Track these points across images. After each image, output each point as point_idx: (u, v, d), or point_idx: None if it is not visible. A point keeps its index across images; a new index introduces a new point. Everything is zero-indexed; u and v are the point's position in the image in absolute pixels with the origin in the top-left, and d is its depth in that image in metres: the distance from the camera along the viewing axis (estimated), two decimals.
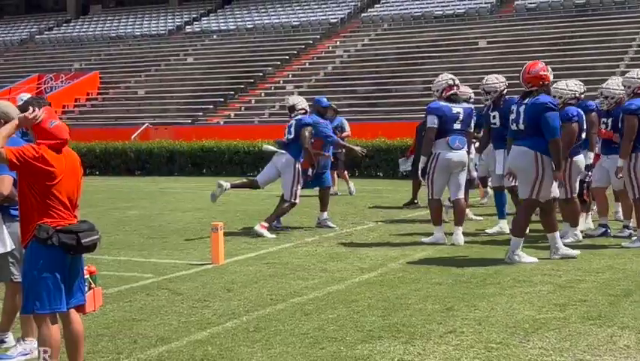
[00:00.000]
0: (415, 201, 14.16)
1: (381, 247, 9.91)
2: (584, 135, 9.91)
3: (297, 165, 11.27)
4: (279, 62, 35.95)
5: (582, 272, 7.95)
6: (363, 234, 11.13)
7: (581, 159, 10.00)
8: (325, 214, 11.86)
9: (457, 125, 10.01)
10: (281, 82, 33.98)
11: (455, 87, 10.17)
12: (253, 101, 33.07)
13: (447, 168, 10.01)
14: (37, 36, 46.38)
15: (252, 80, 34.68)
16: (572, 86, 10.02)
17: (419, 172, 10.27)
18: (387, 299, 6.95)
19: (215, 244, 8.88)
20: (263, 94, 33.48)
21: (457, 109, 10.05)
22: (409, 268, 8.45)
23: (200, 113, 32.65)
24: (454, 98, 10.13)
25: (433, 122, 9.96)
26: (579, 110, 9.83)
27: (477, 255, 9.15)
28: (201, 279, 8.05)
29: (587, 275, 7.80)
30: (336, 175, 16.63)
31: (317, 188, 12.10)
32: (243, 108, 32.79)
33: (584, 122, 9.84)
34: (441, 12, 36.73)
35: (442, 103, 10.04)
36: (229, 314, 6.54)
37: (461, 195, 10.25)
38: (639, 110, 9.39)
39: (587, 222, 10.74)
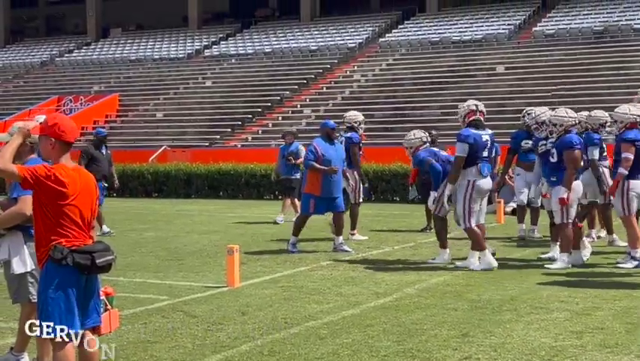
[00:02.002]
0: (430, 227, 14.08)
1: (397, 271, 9.88)
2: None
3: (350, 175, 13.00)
4: (296, 86, 36.10)
5: (599, 300, 7.89)
6: (379, 258, 11.11)
7: (579, 186, 10.09)
8: (341, 238, 11.82)
9: (485, 153, 10.03)
10: (298, 106, 34.10)
11: (479, 113, 10.11)
12: (270, 125, 33.17)
13: (480, 195, 10.04)
14: (57, 58, 46.82)
15: (269, 104, 34.82)
16: (572, 113, 10.20)
17: (445, 200, 10.20)
18: (403, 324, 6.92)
19: (230, 267, 8.89)
20: (280, 118, 33.58)
21: (486, 136, 10.06)
22: (425, 293, 8.42)
23: (218, 136, 32.78)
24: (478, 124, 10.08)
25: (464, 150, 9.88)
26: (580, 138, 10.06)
27: (493, 281, 9.10)
28: (216, 302, 8.05)
29: (604, 303, 7.74)
30: (289, 202, 15.96)
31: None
32: (260, 132, 32.89)
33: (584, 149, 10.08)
34: (458, 38, 36.80)
35: (473, 131, 9.98)
36: (244, 338, 6.54)
37: (483, 220, 10.25)
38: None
39: (583, 253, 10.58)
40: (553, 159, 10.08)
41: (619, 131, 10.25)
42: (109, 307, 5.12)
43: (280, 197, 16.35)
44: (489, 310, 7.48)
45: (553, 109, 11.23)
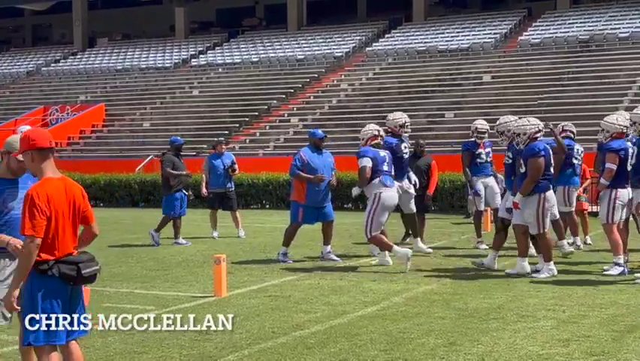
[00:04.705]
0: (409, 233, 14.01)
1: (385, 280, 9.88)
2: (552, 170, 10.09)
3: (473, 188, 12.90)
4: (284, 95, 36.11)
5: (586, 307, 7.92)
6: (367, 267, 11.11)
7: (552, 195, 10.09)
8: (329, 248, 11.83)
9: (385, 167, 10.97)
10: (286, 115, 34.10)
11: (379, 138, 11.23)
12: (258, 134, 33.16)
13: (385, 209, 10.97)
14: (43, 68, 46.68)
15: (256, 113, 34.80)
16: (533, 120, 10.25)
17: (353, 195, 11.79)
18: (390, 333, 6.92)
19: (217, 277, 8.86)
20: (268, 127, 33.57)
21: (383, 153, 11.13)
22: (412, 301, 8.43)
23: (205, 146, 32.74)
24: (377, 146, 11.16)
25: (367, 161, 10.88)
26: (546, 145, 10.02)
27: (480, 289, 9.12)
28: (203, 312, 8.02)
29: (590, 310, 7.77)
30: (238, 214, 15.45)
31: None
32: (247, 141, 32.87)
33: (551, 157, 9.99)
34: (445, 47, 36.92)
35: (372, 149, 11.04)
36: (231, 347, 6.52)
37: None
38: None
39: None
40: (522, 169, 10.03)
41: (605, 140, 10.32)
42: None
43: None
44: (476, 318, 7.49)
45: (520, 118, 11.21)
